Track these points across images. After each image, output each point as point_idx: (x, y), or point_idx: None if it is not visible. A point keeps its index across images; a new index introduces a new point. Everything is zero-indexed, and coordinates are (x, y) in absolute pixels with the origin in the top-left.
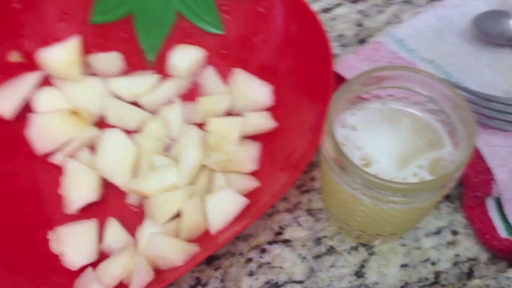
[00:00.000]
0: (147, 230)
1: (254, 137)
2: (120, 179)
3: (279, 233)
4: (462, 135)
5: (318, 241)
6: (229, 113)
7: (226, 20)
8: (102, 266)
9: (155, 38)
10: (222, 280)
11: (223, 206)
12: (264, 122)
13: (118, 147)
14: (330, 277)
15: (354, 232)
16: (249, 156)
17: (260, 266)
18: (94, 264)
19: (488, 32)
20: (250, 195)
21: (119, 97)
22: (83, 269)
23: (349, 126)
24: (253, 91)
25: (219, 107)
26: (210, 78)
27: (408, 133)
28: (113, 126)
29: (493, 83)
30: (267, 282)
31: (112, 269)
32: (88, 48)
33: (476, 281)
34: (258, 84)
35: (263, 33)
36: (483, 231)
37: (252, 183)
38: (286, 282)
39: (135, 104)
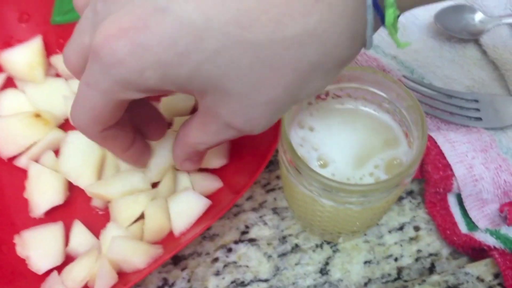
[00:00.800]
0: (110, 233)
1: None
2: (84, 182)
3: (245, 232)
4: (415, 135)
5: (283, 239)
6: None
7: None
8: (67, 269)
9: None
10: (189, 280)
11: (186, 208)
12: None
13: (82, 149)
14: (295, 275)
15: (317, 231)
16: (217, 152)
17: (226, 265)
18: (60, 268)
19: (450, 27)
20: (214, 195)
21: None
22: (49, 272)
23: (307, 127)
24: None
25: (184, 106)
26: None
27: (365, 132)
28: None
29: (456, 79)
30: (233, 282)
31: (76, 273)
32: (51, 49)
33: (435, 277)
34: None
35: None
36: (444, 227)
37: (216, 184)
38: (252, 281)
39: None
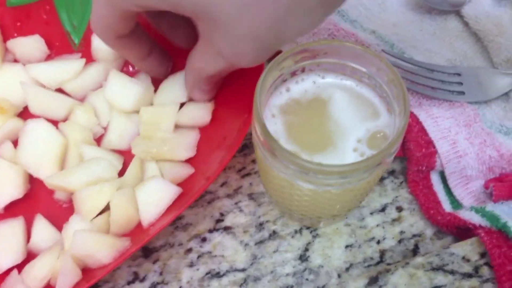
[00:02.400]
0: (73, 227)
1: None
2: (45, 174)
3: (220, 220)
4: (397, 110)
5: (260, 226)
6: None
7: None
8: (28, 267)
9: (79, 18)
10: (161, 273)
11: (154, 197)
12: (201, 114)
13: (42, 138)
14: (273, 263)
15: (296, 216)
16: (185, 143)
17: (200, 256)
18: (21, 266)
19: None
20: (185, 182)
21: (42, 85)
22: (8, 271)
23: (281, 106)
24: None
25: (150, 96)
26: None
27: (344, 108)
28: (37, 117)
29: (437, 52)
30: (208, 272)
31: (38, 271)
32: (8, 33)
33: (419, 259)
34: None
35: None
36: (427, 206)
37: (186, 170)
38: (228, 271)
39: (60, 91)
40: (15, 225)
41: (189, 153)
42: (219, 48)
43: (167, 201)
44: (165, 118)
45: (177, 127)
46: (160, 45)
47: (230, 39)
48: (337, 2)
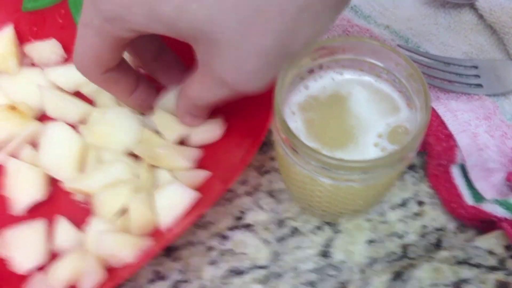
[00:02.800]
0: (95, 228)
1: None
2: (66, 175)
3: (240, 218)
4: (418, 105)
5: (281, 223)
6: None
7: None
8: (51, 268)
9: None
10: (182, 272)
11: (172, 201)
12: (211, 135)
13: (61, 141)
14: (295, 260)
15: (317, 212)
16: (184, 154)
17: (222, 253)
18: (44, 267)
19: None
20: (205, 182)
21: (59, 88)
22: (32, 272)
23: (302, 102)
24: None
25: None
26: None
27: (364, 103)
28: (55, 120)
29: (452, 45)
30: (230, 270)
31: (62, 271)
32: (25, 38)
33: (443, 253)
34: None
35: None
36: (449, 200)
37: (200, 175)
38: (249, 268)
39: (77, 94)
40: (38, 227)
41: (187, 163)
42: (221, 74)
43: (184, 205)
44: (172, 127)
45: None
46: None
47: (234, 59)
48: (343, 3)
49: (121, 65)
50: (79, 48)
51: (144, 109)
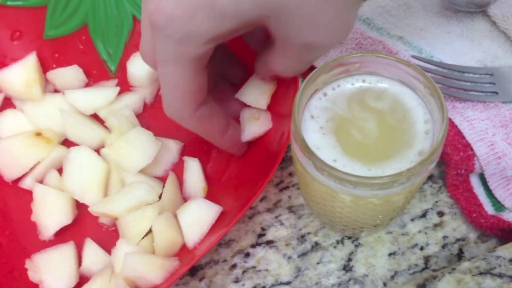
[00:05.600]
0: (121, 250)
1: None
2: (91, 199)
3: (261, 235)
4: (435, 117)
5: (302, 238)
6: None
7: None
8: None
9: (114, 46)
10: None
11: (197, 218)
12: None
13: (85, 165)
14: (317, 275)
15: (337, 227)
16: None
17: (245, 271)
18: None
19: (455, 1)
20: (227, 200)
21: (79, 111)
22: None
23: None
24: None
25: None
26: None
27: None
28: (76, 144)
29: (466, 53)
30: (254, 287)
31: None
32: (47, 64)
33: (465, 264)
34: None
35: None
36: (469, 210)
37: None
38: (273, 285)
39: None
40: (67, 250)
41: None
42: (301, 38)
43: (210, 221)
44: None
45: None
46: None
47: (309, 18)
48: None
49: (209, 102)
50: (166, 92)
51: (239, 149)
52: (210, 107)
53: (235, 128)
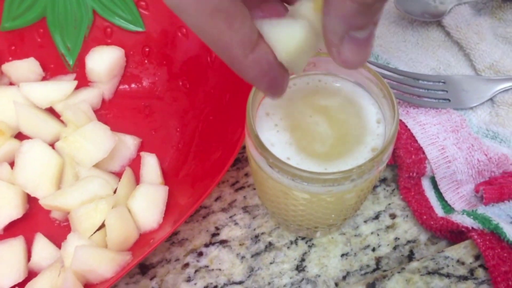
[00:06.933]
0: (72, 244)
1: None
2: (43, 193)
3: (215, 234)
4: (387, 119)
5: (256, 238)
6: None
7: (145, 16)
8: (29, 286)
9: (72, 40)
10: None
11: (149, 199)
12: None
13: (38, 159)
14: (270, 275)
15: (292, 226)
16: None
17: (197, 270)
18: (23, 284)
19: (411, 11)
20: (180, 198)
21: (33, 105)
22: None
23: (274, 116)
24: None
25: None
26: None
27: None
28: (31, 137)
29: (421, 61)
30: (206, 287)
31: None
32: (3, 57)
33: (414, 264)
34: None
35: (186, 26)
36: (420, 212)
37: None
38: (225, 285)
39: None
40: (15, 245)
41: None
42: None
43: (161, 199)
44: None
45: None
46: None
47: None
48: None
49: None
50: None
51: (278, 91)
52: (233, 3)
53: (266, 50)
